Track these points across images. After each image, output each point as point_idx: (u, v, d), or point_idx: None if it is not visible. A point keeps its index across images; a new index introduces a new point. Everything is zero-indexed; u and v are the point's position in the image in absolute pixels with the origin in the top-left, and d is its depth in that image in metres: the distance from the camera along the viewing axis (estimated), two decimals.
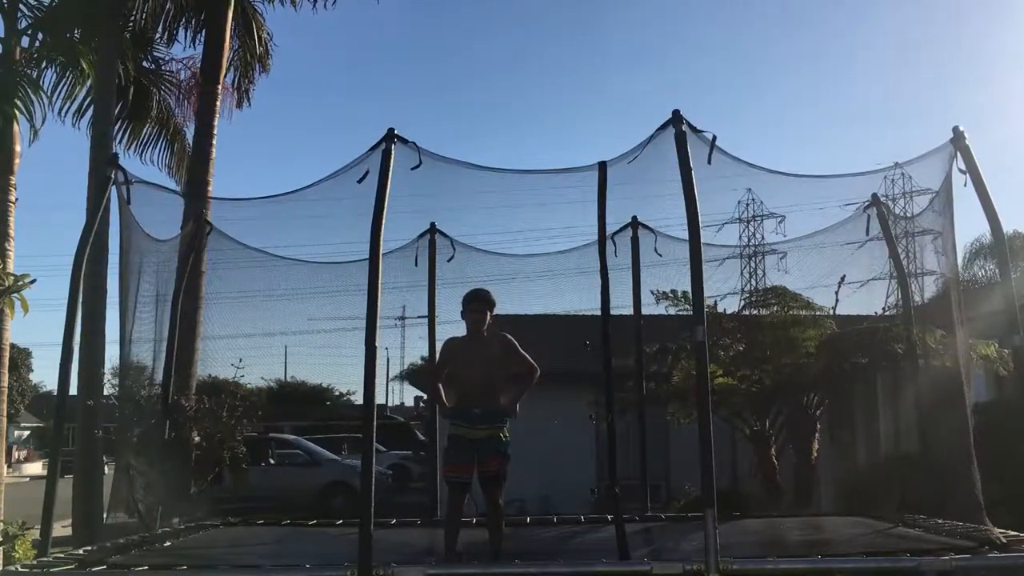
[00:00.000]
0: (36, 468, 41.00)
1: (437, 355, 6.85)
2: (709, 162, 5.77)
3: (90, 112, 11.13)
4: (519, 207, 7.38)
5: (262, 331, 8.41)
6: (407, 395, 43.56)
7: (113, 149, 10.78)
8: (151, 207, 7.12)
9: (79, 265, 6.34)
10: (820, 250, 8.23)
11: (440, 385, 6.23)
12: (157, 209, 7.30)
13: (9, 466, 28.12)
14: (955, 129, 6.37)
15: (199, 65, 12.70)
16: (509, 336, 5.89)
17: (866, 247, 7.95)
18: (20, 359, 37.18)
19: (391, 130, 5.77)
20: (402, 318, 11.54)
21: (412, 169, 5.86)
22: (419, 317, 8.73)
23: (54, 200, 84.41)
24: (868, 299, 9.68)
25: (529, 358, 5.85)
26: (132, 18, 12.11)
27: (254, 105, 14.07)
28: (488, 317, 5.87)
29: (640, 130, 18.65)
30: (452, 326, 6.45)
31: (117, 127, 12.06)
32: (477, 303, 5.87)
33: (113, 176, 6.71)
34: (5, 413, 9.19)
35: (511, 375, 5.91)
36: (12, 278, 6.50)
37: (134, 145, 13.09)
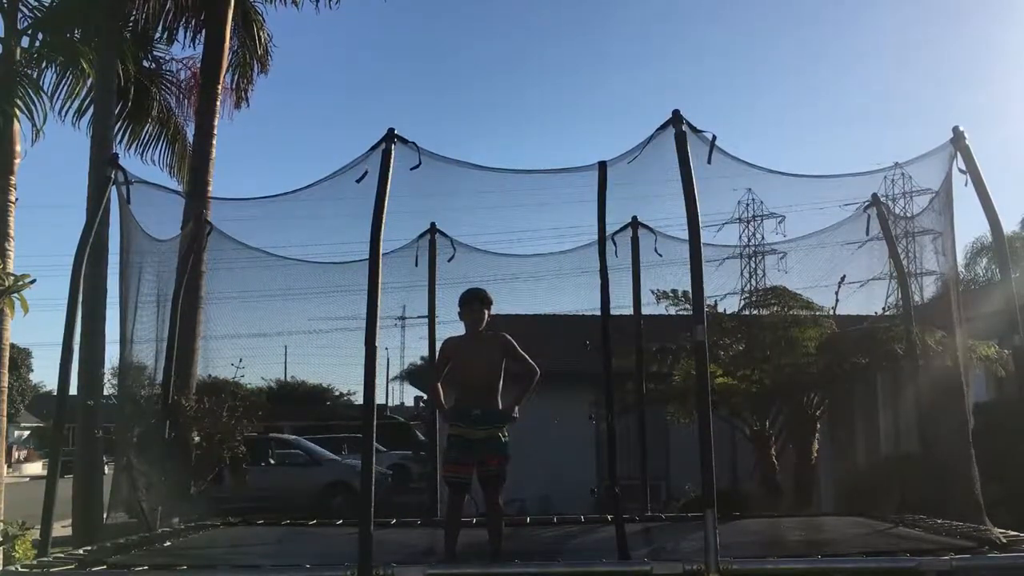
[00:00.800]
0: (36, 468, 41.02)
1: (437, 355, 6.84)
2: (709, 162, 5.76)
3: (90, 112, 11.13)
4: (519, 207, 7.40)
5: (262, 331, 8.42)
6: (407, 395, 43.50)
7: (113, 149, 10.79)
8: (151, 207, 7.11)
9: (79, 265, 6.33)
10: (820, 250, 8.23)
11: (439, 385, 6.22)
12: (157, 209, 7.29)
13: (9, 466, 28.10)
14: (955, 129, 6.35)
15: (199, 65, 12.72)
16: (508, 337, 5.86)
17: (866, 247, 7.94)
18: (20, 359, 37.19)
19: (391, 130, 5.75)
20: (402, 318, 11.53)
21: (412, 169, 5.85)
22: (419, 317, 8.73)
23: (54, 200, 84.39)
24: (868, 299, 9.67)
25: (529, 359, 5.82)
26: (132, 18, 12.14)
27: (255, 105, 14.15)
28: (486, 315, 5.85)
29: (640, 130, 18.65)
30: (452, 326, 6.43)
31: (117, 127, 12.06)
32: (473, 302, 5.85)
33: (113, 176, 6.70)
34: (5, 413, 9.20)
35: (511, 376, 5.89)
36: (12, 278, 6.48)
37: (134, 145, 13.11)
